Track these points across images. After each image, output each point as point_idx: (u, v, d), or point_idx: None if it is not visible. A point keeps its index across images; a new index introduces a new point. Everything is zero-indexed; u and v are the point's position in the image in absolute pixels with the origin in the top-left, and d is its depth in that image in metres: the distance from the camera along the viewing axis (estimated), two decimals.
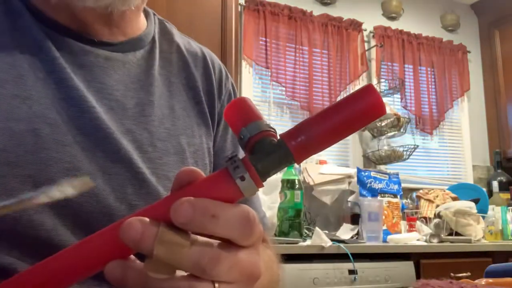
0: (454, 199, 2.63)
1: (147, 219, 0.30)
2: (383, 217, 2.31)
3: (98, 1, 0.52)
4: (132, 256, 0.32)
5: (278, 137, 0.31)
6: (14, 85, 0.50)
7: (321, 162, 2.67)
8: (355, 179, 2.46)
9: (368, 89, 0.30)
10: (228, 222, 0.30)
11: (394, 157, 2.90)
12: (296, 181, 2.13)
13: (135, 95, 0.57)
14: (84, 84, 0.53)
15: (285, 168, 2.18)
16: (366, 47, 3.16)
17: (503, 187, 3.07)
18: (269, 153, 0.31)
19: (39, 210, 0.47)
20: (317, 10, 3.02)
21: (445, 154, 3.37)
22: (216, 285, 0.31)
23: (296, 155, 0.30)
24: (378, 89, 3.03)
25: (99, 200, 0.50)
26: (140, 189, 0.53)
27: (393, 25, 3.27)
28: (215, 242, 0.31)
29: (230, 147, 0.67)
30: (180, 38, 0.70)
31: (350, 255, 1.89)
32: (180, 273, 0.31)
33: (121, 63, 0.58)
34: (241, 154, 0.33)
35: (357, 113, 0.29)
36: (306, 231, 2.21)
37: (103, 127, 0.52)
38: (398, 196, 2.50)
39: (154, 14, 0.68)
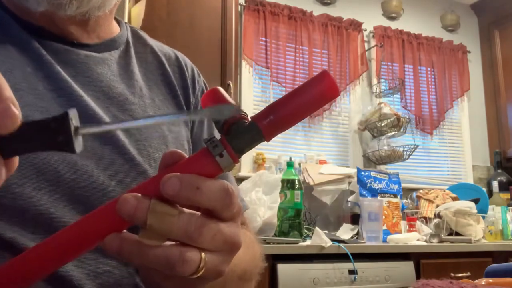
0: (454, 199, 2.64)
1: (139, 195, 0.34)
2: (383, 217, 2.31)
3: (78, 9, 0.57)
4: (125, 231, 0.35)
5: (250, 119, 0.36)
6: (5, 78, 0.52)
7: (321, 162, 2.68)
8: (355, 179, 2.46)
9: (324, 75, 0.35)
10: (210, 193, 0.34)
11: (394, 157, 2.90)
12: (296, 181, 2.13)
13: (118, 86, 0.62)
14: (70, 78, 0.58)
15: (286, 168, 2.18)
16: (366, 47, 3.16)
17: (503, 187, 3.07)
18: (243, 132, 0.35)
19: (37, 186, 0.50)
20: (317, 10, 3.02)
21: (445, 154, 3.38)
22: (203, 254, 0.35)
23: (266, 133, 0.35)
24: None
25: (91, 178, 0.54)
26: (129, 167, 0.57)
27: (393, 25, 3.27)
28: (200, 213, 0.36)
29: (207, 136, 0.71)
30: (152, 42, 0.75)
31: (350, 255, 1.89)
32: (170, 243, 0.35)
33: (101, 60, 0.63)
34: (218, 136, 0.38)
35: (315, 95, 0.35)
36: (306, 231, 2.21)
37: (91, 113, 0.56)
38: (398, 196, 2.50)
39: (125, 23, 0.74)
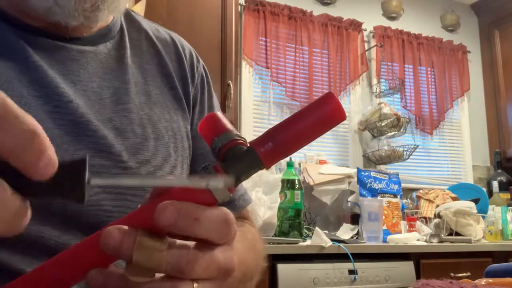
0: (454, 199, 2.63)
1: (125, 227, 0.31)
2: (383, 217, 2.31)
3: (84, 22, 0.54)
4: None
5: (248, 145, 0.33)
6: None
7: (321, 162, 2.68)
8: (355, 179, 2.46)
9: (328, 97, 0.32)
10: (209, 225, 0.32)
11: (394, 157, 2.90)
12: (296, 181, 2.13)
13: (110, 85, 0.58)
14: (60, 78, 0.54)
15: (286, 168, 2.18)
16: (366, 47, 3.16)
17: (503, 187, 3.07)
18: (240, 159, 0.33)
19: None
20: (317, 10, 3.02)
21: (445, 154, 3.37)
22: (195, 284, 0.32)
23: (265, 160, 0.32)
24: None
25: None
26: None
27: (393, 25, 3.27)
28: (191, 243, 0.33)
29: None
30: (147, 25, 0.70)
31: (350, 255, 1.89)
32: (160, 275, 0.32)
33: (94, 55, 0.59)
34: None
35: (319, 119, 0.32)
36: (306, 231, 2.21)
37: (81, 120, 0.53)
38: (398, 196, 2.50)
39: None
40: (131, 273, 0.31)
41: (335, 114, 0.32)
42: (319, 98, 0.32)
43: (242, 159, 0.33)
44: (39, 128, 0.27)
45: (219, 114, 0.36)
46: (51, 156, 0.27)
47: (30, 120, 0.26)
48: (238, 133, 0.35)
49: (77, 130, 0.53)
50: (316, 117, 0.32)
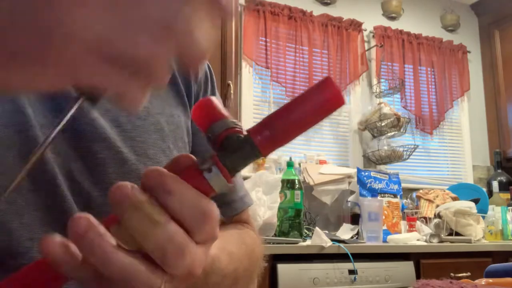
0: (454, 199, 2.64)
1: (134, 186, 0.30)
2: (383, 217, 2.31)
3: None
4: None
5: (245, 133, 0.33)
6: None
7: (321, 162, 2.68)
8: (355, 179, 2.46)
9: (327, 82, 0.31)
10: (182, 203, 0.29)
11: (394, 157, 2.90)
12: (296, 181, 2.13)
13: None
14: None
15: (286, 168, 2.18)
16: (366, 47, 3.16)
17: (503, 187, 3.07)
18: (236, 149, 0.32)
19: (10, 200, 0.46)
20: (317, 10, 3.02)
21: (445, 154, 3.37)
22: (164, 281, 0.29)
23: (262, 149, 0.32)
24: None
25: (74, 183, 0.49)
26: (120, 167, 0.52)
27: (393, 25, 3.27)
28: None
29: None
30: None
31: (350, 255, 1.89)
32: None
33: None
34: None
35: (317, 105, 0.31)
36: (306, 231, 2.21)
37: (79, 107, 0.51)
38: (398, 196, 2.50)
39: None
40: (114, 234, 0.28)
41: (333, 100, 0.31)
42: (317, 84, 0.31)
43: (239, 149, 0.32)
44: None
45: (214, 100, 0.35)
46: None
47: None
48: (234, 120, 0.33)
49: (74, 117, 0.51)
50: (314, 103, 0.31)
